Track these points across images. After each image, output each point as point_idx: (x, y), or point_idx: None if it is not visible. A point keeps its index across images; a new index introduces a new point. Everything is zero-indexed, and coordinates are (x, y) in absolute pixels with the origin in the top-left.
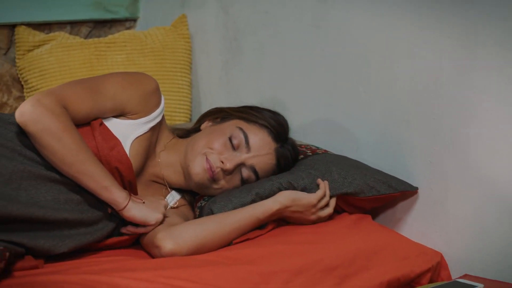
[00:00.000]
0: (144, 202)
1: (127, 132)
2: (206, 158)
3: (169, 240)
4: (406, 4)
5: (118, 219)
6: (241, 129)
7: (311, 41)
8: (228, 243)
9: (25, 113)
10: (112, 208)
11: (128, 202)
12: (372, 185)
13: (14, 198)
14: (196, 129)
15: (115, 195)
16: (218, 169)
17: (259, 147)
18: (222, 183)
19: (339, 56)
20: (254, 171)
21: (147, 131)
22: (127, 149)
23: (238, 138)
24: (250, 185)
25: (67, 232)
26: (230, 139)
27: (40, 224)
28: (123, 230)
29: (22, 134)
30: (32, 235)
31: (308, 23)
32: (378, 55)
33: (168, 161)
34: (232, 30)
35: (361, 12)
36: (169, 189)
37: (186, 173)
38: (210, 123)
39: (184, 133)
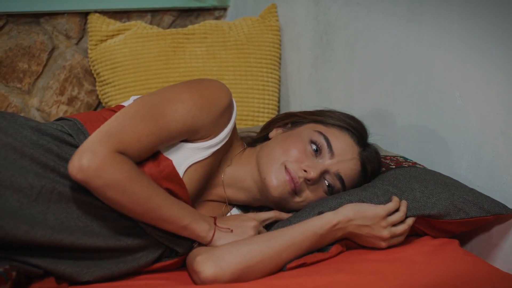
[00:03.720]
0: (232, 231)
1: (182, 156)
2: (286, 168)
3: (209, 263)
4: None
5: (164, 247)
6: (320, 132)
7: (404, 37)
8: (280, 267)
9: (82, 169)
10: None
11: (214, 234)
12: (461, 206)
13: (40, 221)
14: (264, 137)
15: (197, 230)
16: (301, 179)
17: (343, 152)
18: (306, 194)
19: (434, 54)
20: (340, 179)
21: (208, 157)
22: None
23: (319, 142)
24: (313, 204)
25: (97, 259)
26: (309, 144)
27: (67, 250)
28: None
29: (61, 147)
30: (53, 260)
31: (402, 17)
32: (477, 55)
33: (233, 177)
34: (323, 23)
35: (460, 4)
36: (229, 206)
37: (263, 188)
38: (280, 130)
39: (250, 142)
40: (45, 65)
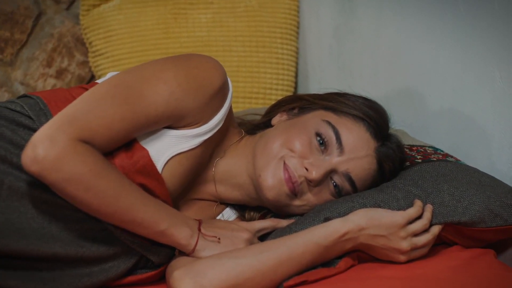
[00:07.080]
0: (219, 239)
1: (163, 145)
2: (284, 164)
3: (188, 280)
4: None
5: (138, 255)
6: (329, 122)
7: (439, 5)
8: (275, 286)
9: (37, 160)
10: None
11: (196, 242)
12: (498, 211)
13: None
14: (265, 124)
15: (176, 237)
16: (302, 179)
17: (355, 147)
18: (308, 197)
19: (473, 26)
20: (350, 180)
21: (196, 147)
22: (158, 168)
23: (326, 135)
24: (319, 207)
25: (56, 271)
26: (315, 136)
27: (15, 259)
28: None
29: (17, 131)
30: (1, 272)
31: None
32: None
33: (225, 171)
34: None
35: None
36: (221, 206)
37: (257, 187)
38: (284, 116)
39: (250, 129)
40: (30, 33)
